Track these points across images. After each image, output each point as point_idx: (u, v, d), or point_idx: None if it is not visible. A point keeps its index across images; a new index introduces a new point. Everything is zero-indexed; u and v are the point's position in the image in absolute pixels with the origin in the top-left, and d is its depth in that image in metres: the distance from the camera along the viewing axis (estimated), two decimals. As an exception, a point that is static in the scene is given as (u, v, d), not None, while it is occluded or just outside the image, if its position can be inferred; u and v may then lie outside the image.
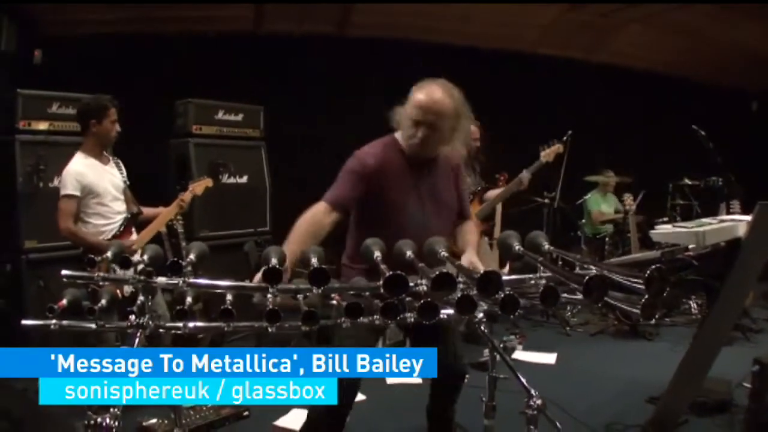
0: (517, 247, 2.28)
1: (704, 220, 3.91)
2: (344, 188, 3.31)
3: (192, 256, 2.06)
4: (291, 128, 7.94)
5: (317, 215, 3.21)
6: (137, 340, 2.01)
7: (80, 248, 4.59)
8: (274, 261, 2.02)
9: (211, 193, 5.47)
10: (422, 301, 1.88)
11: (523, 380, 2.41)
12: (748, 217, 3.79)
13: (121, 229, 4.67)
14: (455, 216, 3.63)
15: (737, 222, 3.74)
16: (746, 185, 7.79)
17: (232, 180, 6.76)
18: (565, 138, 7.69)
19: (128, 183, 4.84)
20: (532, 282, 2.14)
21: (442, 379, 3.71)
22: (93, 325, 2.05)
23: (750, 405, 4.28)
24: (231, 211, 6.74)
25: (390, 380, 5.51)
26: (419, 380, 4.67)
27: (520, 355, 6.27)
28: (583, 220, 8.68)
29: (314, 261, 2.02)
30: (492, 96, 8.57)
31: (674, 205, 9.12)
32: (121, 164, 4.87)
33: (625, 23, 9.21)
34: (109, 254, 2.05)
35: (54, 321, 2.04)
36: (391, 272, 1.84)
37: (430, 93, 3.24)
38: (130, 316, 2.00)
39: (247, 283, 2.07)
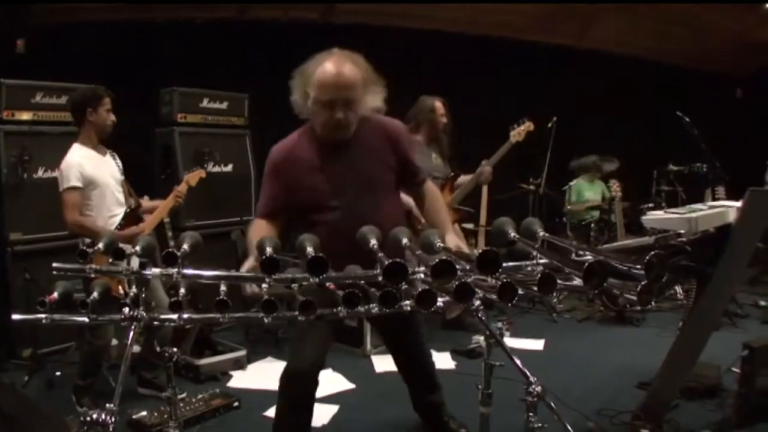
0: (512, 234, 2.25)
1: (694, 206, 3.90)
2: (265, 194, 3.24)
3: (186, 246, 2.03)
4: (275, 116, 7.88)
5: (262, 230, 3.10)
6: (132, 333, 1.98)
7: (84, 241, 4.49)
8: (269, 250, 1.99)
9: (197, 184, 5.42)
10: (420, 290, 1.86)
11: (522, 367, 2.39)
12: (738, 203, 3.78)
13: (122, 223, 4.64)
14: (405, 185, 3.43)
15: (727, 208, 3.73)
16: (730, 171, 7.82)
17: (217, 169, 6.70)
18: (549, 124, 7.70)
19: (123, 177, 4.83)
20: (528, 269, 2.12)
21: (410, 363, 3.81)
22: (85, 319, 2.01)
23: (739, 389, 4.32)
24: (216, 200, 6.68)
25: (379, 369, 5.51)
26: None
27: (507, 341, 6.23)
28: (568, 207, 8.66)
29: (269, 250, 1.99)
30: (477, 82, 8.60)
31: (659, 191, 9.16)
32: (117, 157, 4.85)
33: (611, 9, 9.18)
34: (100, 245, 2.01)
35: (45, 315, 2.01)
36: (390, 260, 1.81)
37: (333, 67, 3.00)
38: (124, 309, 1.97)
39: (243, 273, 2.03)
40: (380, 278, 1.94)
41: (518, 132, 6.42)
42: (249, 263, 2.66)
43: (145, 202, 5.02)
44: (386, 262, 1.80)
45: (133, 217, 4.74)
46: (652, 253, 1.76)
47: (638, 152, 9.73)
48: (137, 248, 2.02)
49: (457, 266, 1.84)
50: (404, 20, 8.48)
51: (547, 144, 7.64)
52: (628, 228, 7.78)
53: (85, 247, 1.93)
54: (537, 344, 6.23)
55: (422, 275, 2.01)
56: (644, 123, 10.47)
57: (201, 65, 7.27)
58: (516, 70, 9.38)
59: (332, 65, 3.00)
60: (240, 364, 5.49)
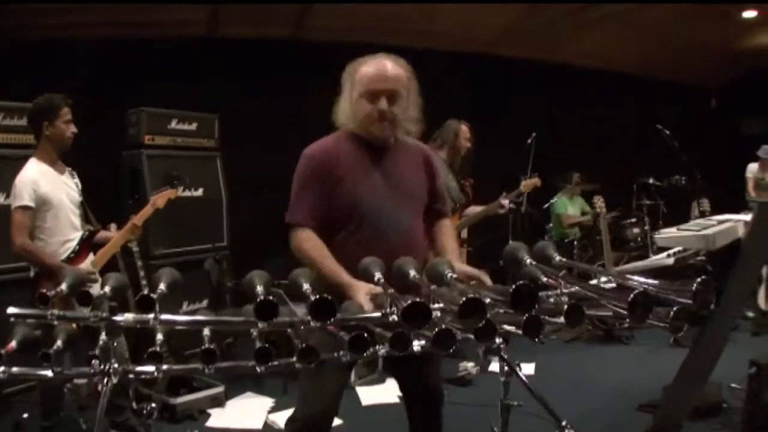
0: (528, 261, 2.01)
1: (701, 221, 3.71)
2: (308, 199, 2.93)
3: (162, 286, 1.74)
4: (247, 137, 7.61)
5: (317, 243, 2.86)
6: (105, 390, 1.69)
7: (34, 267, 4.19)
8: (260, 289, 1.72)
9: (166, 208, 5.10)
10: (437, 330, 1.59)
11: (552, 409, 2.16)
12: (745, 216, 3.61)
13: (78, 249, 4.29)
14: (424, 210, 3.18)
15: (735, 222, 3.54)
16: (708, 182, 7.74)
17: (187, 193, 6.34)
18: (529, 140, 7.56)
19: (82, 197, 4.47)
20: (551, 300, 1.88)
21: (422, 403, 3.35)
22: (49, 373, 1.71)
23: (746, 406, 4.20)
24: (187, 226, 6.37)
25: (366, 401, 5.25)
26: (396, 400, 4.42)
27: (497, 366, 6.03)
28: (551, 224, 8.51)
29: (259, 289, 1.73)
30: (452, 98, 8.39)
31: (640, 205, 9.04)
32: (75, 175, 4.49)
33: (585, 24, 9.06)
34: (64, 286, 1.72)
35: (2, 369, 1.70)
36: (411, 300, 1.54)
37: (379, 63, 2.91)
38: (93, 362, 1.67)
39: (232, 318, 1.74)
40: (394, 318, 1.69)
41: (527, 184, 6.71)
42: (364, 289, 2.39)
43: (102, 232, 4.64)
44: (408, 302, 1.53)
45: (89, 243, 4.40)
46: (702, 278, 1.57)
47: (617, 166, 9.60)
48: (106, 289, 1.72)
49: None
50: (376, 37, 8.26)
51: (527, 161, 7.50)
52: (612, 244, 7.61)
53: (45, 291, 1.63)
54: (528, 368, 6.01)
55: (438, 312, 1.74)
56: (621, 137, 10.36)
57: (169, 84, 6.97)
58: (491, 86, 9.21)
59: (379, 60, 2.91)
60: (218, 401, 5.19)
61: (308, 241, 2.86)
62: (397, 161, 3.03)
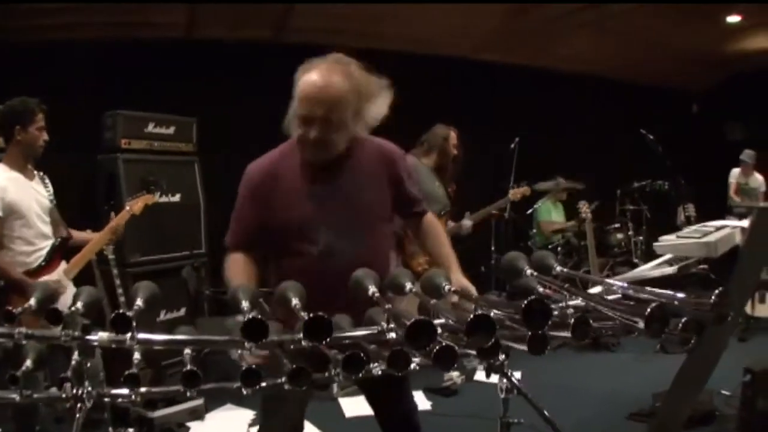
0: (528, 272, 1.89)
1: (698, 227, 3.61)
2: (240, 221, 2.76)
3: (139, 302, 1.59)
4: (225, 141, 7.46)
5: (239, 267, 2.67)
6: (78, 416, 1.54)
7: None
8: (245, 305, 1.58)
9: (142, 214, 4.98)
10: (438, 348, 1.47)
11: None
12: (742, 223, 3.53)
13: (48, 258, 4.10)
14: (390, 218, 2.90)
15: (733, 229, 3.45)
16: (691, 186, 7.71)
17: (164, 199, 6.13)
18: (512, 145, 7.48)
19: (55, 203, 4.28)
20: (555, 312, 1.77)
21: (394, 422, 3.15)
22: (16, 396, 1.57)
23: (741, 414, 4.17)
24: (164, 232, 6.20)
25: (349, 413, 5.12)
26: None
27: (482, 376, 5.91)
28: (534, 230, 8.43)
29: (245, 304, 1.59)
30: (436, 102, 8.29)
31: (624, 210, 8.99)
32: (47, 180, 4.30)
33: (569, 28, 9.00)
34: (32, 302, 1.57)
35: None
36: (416, 318, 1.41)
37: (316, 78, 2.53)
38: (65, 384, 1.52)
39: (215, 338, 1.60)
40: (390, 335, 1.56)
41: (515, 192, 6.70)
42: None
43: (77, 233, 4.48)
44: (411, 320, 1.40)
45: (61, 251, 4.22)
46: (720, 289, 1.52)
47: (599, 172, 9.53)
48: (78, 305, 1.57)
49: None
50: (358, 40, 8.15)
51: (510, 166, 7.43)
52: (596, 249, 7.53)
53: (11, 307, 1.49)
54: (514, 376, 5.87)
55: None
56: (605, 142, 10.29)
57: (146, 87, 6.80)
58: (474, 90, 9.12)
59: (318, 75, 2.55)
60: (197, 414, 5.01)
61: (231, 264, 2.69)
62: (350, 174, 2.74)
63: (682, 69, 10.56)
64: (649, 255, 8.61)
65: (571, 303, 1.76)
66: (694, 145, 10.52)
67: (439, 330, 1.59)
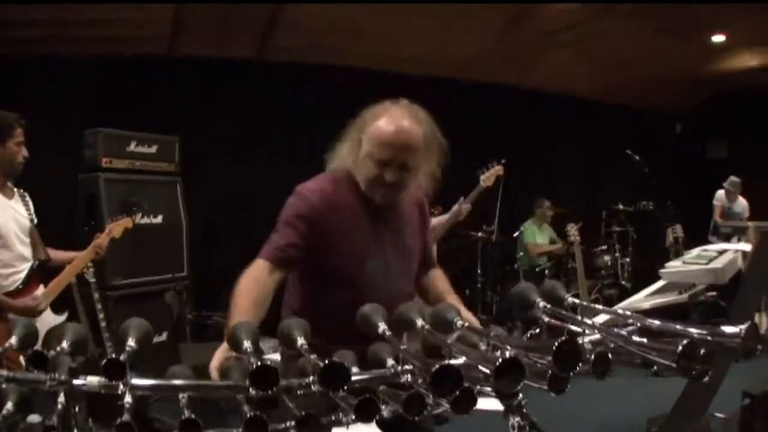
0: (541, 305, 1.77)
1: (699, 252, 3.52)
2: (287, 237, 2.58)
3: (131, 342, 1.45)
4: (208, 161, 7.33)
5: (259, 278, 2.50)
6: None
7: None
8: (247, 345, 1.44)
9: (124, 236, 4.84)
10: (458, 391, 1.34)
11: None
12: (744, 246, 3.44)
13: (26, 281, 3.93)
14: (417, 266, 2.88)
15: (735, 253, 3.36)
16: (678, 208, 7.67)
17: (146, 220, 6.01)
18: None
19: (35, 222, 4.10)
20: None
21: None
22: (-5, 443, 1.42)
23: None
24: (146, 255, 6.03)
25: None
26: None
27: (480, 403, 5.79)
28: (521, 253, 8.34)
29: (247, 345, 1.45)
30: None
31: (610, 232, 8.93)
32: (28, 198, 4.12)
33: (553, 50, 8.98)
34: (13, 341, 1.42)
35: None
36: (443, 362, 1.29)
37: (396, 122, 2.52)
38: (50, 433, 1.38)
39: (216, 383, 1.46)
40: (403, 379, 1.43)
41: (488, 176, 6.19)
42: (220, 354, 2.05)
43: (58, 253, 4.32)
44: (437, 366, 1.28)
45: (39, 274, 4.05)
46: (748, 324, 1.37)
47: (585, 194, 9.48)
48: (64, 344, 1.43)
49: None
50: (342, 58, 8.12)
51: (497, 188, 7.33)
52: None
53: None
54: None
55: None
56: (589, 163, 10.26)
57: (128, 104, 6.67)
58: (459, 112, 9.04)
59: (399, 120, 2.53)
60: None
61: (251, 277, 2.51)
62: (399, 219, 2.75)
63: (666, 89, 10.59)
64: (636, 277, 8.58)
65: (590, 339, 1.64)
66: (678, 165, 10.52)
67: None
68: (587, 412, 5.49)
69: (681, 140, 11.99)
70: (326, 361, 1.29)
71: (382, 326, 1.61)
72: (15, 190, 4.07)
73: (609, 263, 8.32)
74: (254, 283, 2.48)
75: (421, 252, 2.86)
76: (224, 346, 2.04)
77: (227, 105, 7.52)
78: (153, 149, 6.40)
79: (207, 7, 6.89)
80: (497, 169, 6.25)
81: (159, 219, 6.29)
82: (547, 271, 8.03)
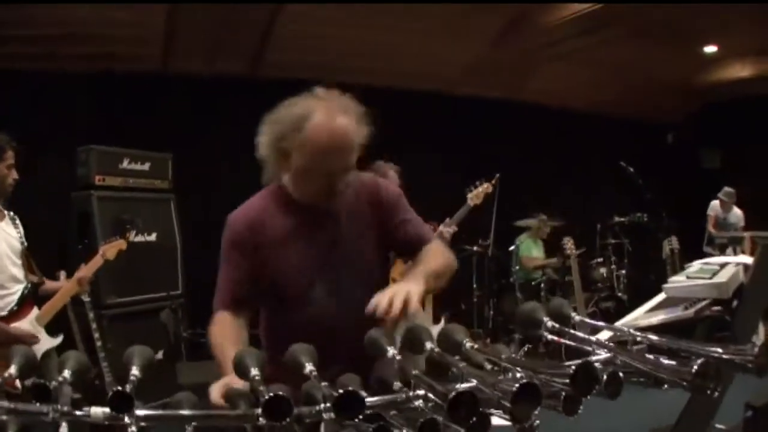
0: (549, 324, 1.73)
1: (701, 266, 3.46)
2: (227, 278, 2.45)
3: (135, 371, 1.41)
4: (202, 178, 7.29)
5: (226, 327, 2.37)
6: None
7: None
8: (254, 372, 1.40)
9: (118, 254, 4.77)
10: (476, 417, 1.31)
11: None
12: (745, 259, 3.40)
13: (20, 303, 3.87)
14: (383, 263, 2.64)
15: (737, 266, 3.31)
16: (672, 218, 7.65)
17: (140, 238, 5.91)
18: (493, 181, 7.36)
19: (25, 245, 4.02)
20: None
21: None
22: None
23: None
24: (140, 273, 5.98)
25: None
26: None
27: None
28: (517, 267, 8.30)
29: (254, 372, 1.41)
30: (412, 139, 8.18)
31: (605, 244, 8.89)
32: (18, 221, 4.05)
33: (544, 62, 8.99)
34: (12, 370, 1.38)
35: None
36: (460, 389, 1.25)
37: (334, 127, 2.25)
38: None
39: (226, 411, 1.41)
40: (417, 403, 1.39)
41: (476, 194, 5.96)
42: (222, 383, 1.90)
43: (49, 283, 4.25)
44: (454, 393, 1.24)
45: (33, 296, 3.99)
46: (762, 345, 1.41)
47: (577, 206, 9.47)
48: (65, 374, 1.38)
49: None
50: (335, 74, 8.07)
51: (492, 203, 7.30)
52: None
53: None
54: (502, 419, 5.72)
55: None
56: (582, 175, 10.24)
57: (120, 122, 6.62)
58: (452, 125, 9.05)
59: (329, 122, 2.27)
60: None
61: (217, 326, 2.39)
62: (339, 221, 2.47)
63: (659, 99, 10.64)
64: (632, 289, 8.56)
65: (599, 357, 1.61)
66: (670, 175, 10.51)
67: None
68: (588, 425, 5.43)
69: (673, 150, 11.98)
70: (340, 390, 1.25)
71: (392, 351, 1.58)
72: (6, 212, 4.01)
73: (605, 276, 8.29)
74: (227, 331, 2.37)
75: (379, 249, 2.57)
76: (224, 380, 1.93)
77: (221, 122, 7.48)
78: (146, 166, 6.36)
79: (199, 24, 6.88)
80: (485, 187, 6.06)
81: (153, 237, 6.24)
82: (543, 285, 7.99)
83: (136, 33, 6.82)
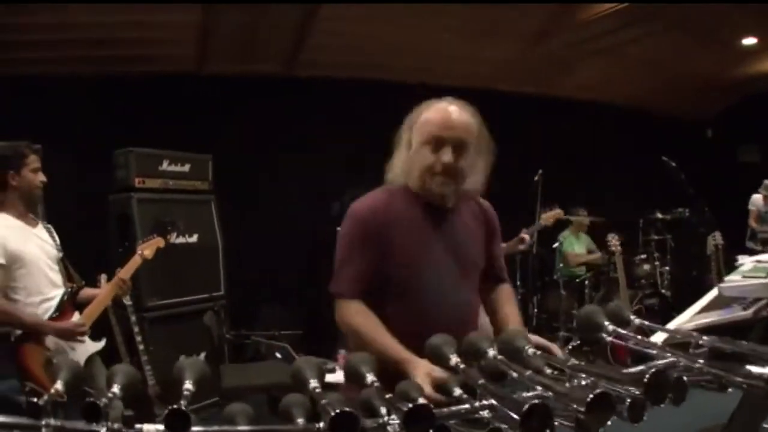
0: (611, 328, 1.66)
1: (754, 264, 3.34)
2: (355, 265, 2.49)
3: (189, 384, 1.34)
4: (242, 179, 7.26)
5: (368, 319, 2.41)
6: None
7: (13, 332, 3.73)
8: (314, 384, 1.33)
9: (158, 256, 4.70)
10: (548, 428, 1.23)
11: None
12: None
13: (59, 308, 3.84)
14: (481, 278, 2.69)
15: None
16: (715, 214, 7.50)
17: (181, 240, 5.88)
18: (536, 177, 7.29)
19: (62, 253, 4.03)
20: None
21: None
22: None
23: None
24: (182, 275, 5.95)
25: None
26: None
27: None
28: (561, 264, 8.20)
29: (372, 376, 1.35)
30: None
31: (647, 240, 8.74)
32: (53, 231, 4.06)
33: (583, 56, 8.86)
34: (59, 385, 1.31)
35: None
36: (532, 402, 1.17)
37: (445, 108, 2.47)
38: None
39: (281, 427, 1.34)
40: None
41: (548, 216, 6.45)
42: (423, 369, 1.95)
43: (88, 290, 4.20)
44: (529, 404, 1.16)
45: (73, 302, 3.96)
46: None
47: (620, 202, 9.33)
48: (115, 389, 1.32)
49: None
50: (369, 72, 8.05)
51: (535, 199, 7.23)
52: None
53: (36, 398, 1.25)
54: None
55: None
56: (622, 171, 10.10)
57: (159, 123, 6.62)
58: (492, 122, 8.94)
59: (445, 105, 2.49)
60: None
61: (359, 315, 2.44)
62: (457, 224, 2.59)
63: (696, 93, 10.45)
64: (675, 285, 8.42)
65: (660, 362, 1.54)
66: (709, 170, 10.34)
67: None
68: (632, 426, 5.31)
69: (712, 145, 11.79)
70: (410, 405, 1.18)
71: (455, 358, 1.50)
72: (39, 221, 4.03)
73: (648, 272, 8.15)
74: (372, 320, 2.42)
75: (485, 264, 2.69)
76: (422, 369, 1.98)
77: (258, 121, 7.45)
78: (186, 168, 6.34)
79: (233, 24, 6.85)
80: (558, 212, 6.58)
81: (194, 238, 6.21)
82: (587, 282, 7.89)
83: (171, 36, 6.80)
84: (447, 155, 2.41)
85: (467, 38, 7.83)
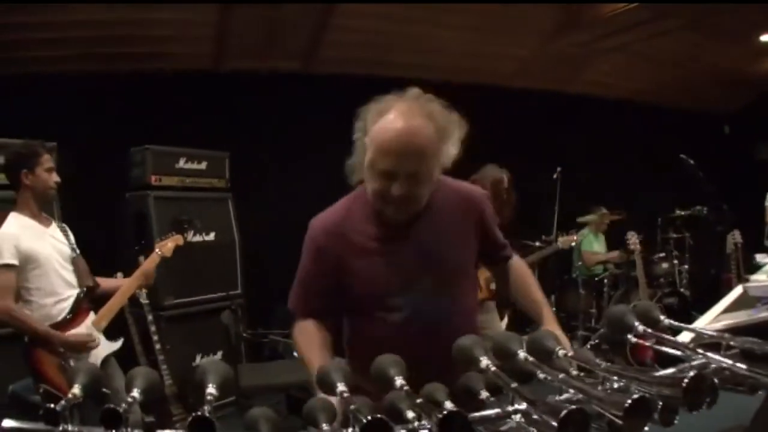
0: (641, 329, 1.62)
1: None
2: (307, 285, 2.39)
3: (212, 389, 1.30)
4: (259, 176, 7.22)
5: (308, 336, 2.31)
6: None
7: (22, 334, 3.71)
8: (341, 387, 1.29)
9: (175, 255, 4.68)
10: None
11: None
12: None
13: (74, 309, 3.82)
14: (474, 268, 2.53)
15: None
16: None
17: (198, 238, 5.89)
18: (555, 175, 7.24)
19: (78, 252, 4.01)
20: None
21: None
22: None
23: None
24: (199, 273, 5.93)
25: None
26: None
27: None
28: (579, 263, 8.14)
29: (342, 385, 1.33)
30: (470, 133, 8.06)
31: (666, 238, 8.66)
32: (68, 230, 4.05)
33: (601, 53, 8.81)
34: (76, 389, 1.27)
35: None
36: (570, 409, 1.13)
37: (400, 126, 2.12)
38: None
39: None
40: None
41: (565, 241, 6.65)
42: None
43: (106, 281, 4.20)
44: (565, 411, 1.12)
45: (87, 301, 3.94)
46: None
47: (638, 199, 9.25)
48: (135, 393, 1.28)
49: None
50: (388, 69, 8.00)
51: (554, 197, 7.18)
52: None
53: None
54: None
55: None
56: (641, 168, 10.02)
57: (175, 121, 6.58)
58: (507, 119, 8.88)
59: (401, 121, 2.13)
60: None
61: (301, 334, 2.34)
62: (429, 227, 2.33)
63: (714, 89, 10.41)
64: (695, 284, 8.34)
65: (694, 364, 1.50)
66: (726, 167, 10.24)
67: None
68: (651, 427, 5.26)
69: (729, 142, 11.70)
70: (445, 412, 1.14)
71: (486, 361, 1.46)
72: (53, 220, 4.02)
73: (667, 270, 8.07)
74: (309, 338, 2.32)
75: (469, 257, 2.48)
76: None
77: (276, 119, 7.41)
78: (203, 165, 6.32)
79: (251, 21, 6.83)
80: (573, 238, 6.82)
81: (211, 236, 6.18)
82: (605, 281, 7.83)
83: (187, 33, 6.78)
84: (397, 188, 2.15)
85: (486, 36, 7.79)
